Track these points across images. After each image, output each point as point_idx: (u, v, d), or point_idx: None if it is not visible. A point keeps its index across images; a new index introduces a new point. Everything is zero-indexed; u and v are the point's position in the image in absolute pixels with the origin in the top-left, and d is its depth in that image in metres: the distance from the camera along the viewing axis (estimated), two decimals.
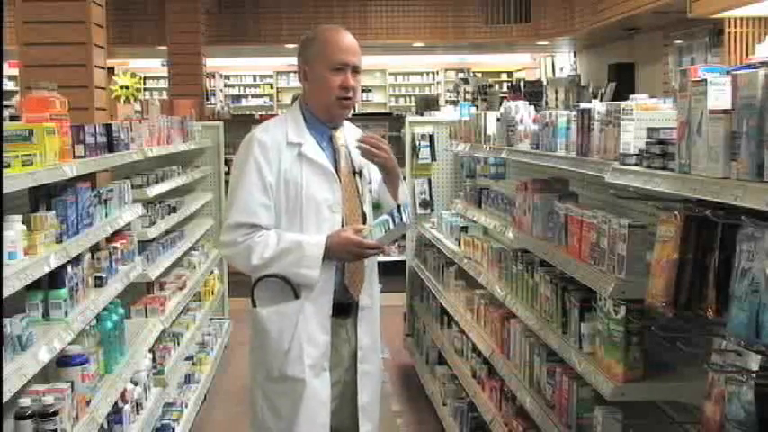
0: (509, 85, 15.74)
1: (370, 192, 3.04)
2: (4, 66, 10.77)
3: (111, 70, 11.87)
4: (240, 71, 18.17)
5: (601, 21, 9.57)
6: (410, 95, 17.95)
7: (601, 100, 7.86)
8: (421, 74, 18.50)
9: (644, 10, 8.15)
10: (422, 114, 7.62)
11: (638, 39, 10.45)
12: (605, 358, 2.59)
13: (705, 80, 1.91)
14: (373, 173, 3.02)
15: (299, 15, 11.99)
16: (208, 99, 13.36)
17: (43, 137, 2.78)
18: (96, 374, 3.14)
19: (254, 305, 2.85)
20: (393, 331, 6.25)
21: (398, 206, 2.83)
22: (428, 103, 10.31)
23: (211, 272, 6.52)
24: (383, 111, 16.05)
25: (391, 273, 5.54)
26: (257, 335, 2.86)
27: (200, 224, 6.36)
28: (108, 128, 3.79)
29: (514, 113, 3.79)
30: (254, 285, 2.84)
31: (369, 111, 15.57)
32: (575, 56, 13.69)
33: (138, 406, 3.77)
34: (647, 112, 2.53)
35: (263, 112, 14.09)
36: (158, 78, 16.99)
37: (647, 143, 2.32)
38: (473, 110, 5.46)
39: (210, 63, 12.47)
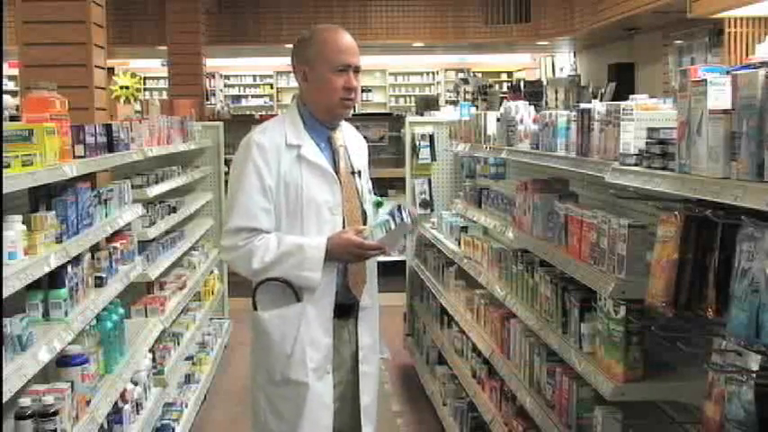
0: (509, 85, 15.73)
1: (370, 191, 3.04)
2: (4, 66, 10.76)
3: (111, 70, 11.89)
4: (240, 71, 18.17)
5: (601, 21, 9.57)
6: (410, 95, 17.95)
7: (601, 100, 7.86)
8: (421, 74, 18.50)
9: (644, 10, 8.15)
10: (422, 114, 7.63)
11: (638, 39, 10.45)
12: (605, 358, 2.59)
13: (705, 80, 1.91)
14: (364, 174, 3.02)
15: (299, 15, 11.99)
16: (208, 99, 13.35)
17: (43, 137, 2.78)
18: (96, 374, 3.14)
19: (255, 308, 2.83)
20: (393, 331, 6.25)
21: (399, 206, 2.82)
22: (428, 103, 10.31)
23: (211, 272, 6.52)
24: (383, 111, 16.05)
25: (391, 273, 5.54)
26: (259, 338, 2.85)
27: (200, 224, 6.36)
28: (108, 128, 3.79)
29: (514, 113, 3.79)
30: (256, 289, 2.82)
31: (369, 111, 15.56)
32: (575, 56, 13.69)
33: (138, 406, 3.77)
34: (647, 112, 2.53)
35: (263, 112, 14.10)
36: (158, 78, 17.00)
37: (647, 143, 2.32)
38: (473, 110, 5.46)
39: (210, 63, 12.46)
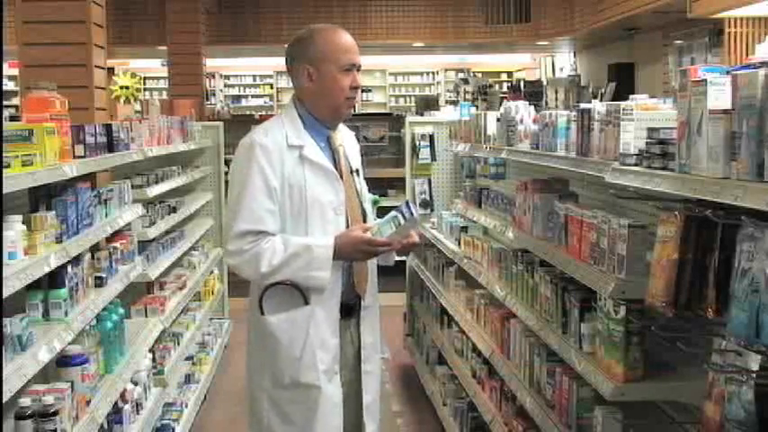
0: (509, 85, 15.73)
1: (368, 190, 3.05)
2: (4, 66, 10.76)
3: (111, 70, 11.87)
4: (240, 71, 18.17)
5: (601, 21, 9.56)
6: (410, 95, 17.94)
7: (601, 100, 7.86)
8: (421, 74, 18.49)
9: (644, 10, 8.15)
10: (422, 114, 7.62)
11: (638, 39, 10.45)
12: (605, 358, 2.59)
13: (705, 80, 1.91)
14: (361, 173, 3.02)
15: (299, 15, 11.98)
16: (208, 99, 13.35)
17: (43, 137, 2.78)
18: (96, 374, 3.14)
19: (262, 313, 2.78)
20: (393, 331, 6.25)
21: (406, 202, 2.82)
22: (428, 103, 10.31)
23: (211, 272, 6.52)
24: (383, 111, 16.04)
25: (391, 273, 5.52)
26: (265, 342, 2.80)
27: (200, 224, 6.36)
28: (108, 128, 3.79)
29: (514, 113, 3.79)
30: (263, 293, 2.77)
31: (369, 111, 15.55)
32: (575, 56, 13.68)
33: (138, 406, 3.77)
34: (647, 112, 2.53)
35: (263, 112, 14.09)
36: (158, 78, 16.99)
37: (647, 143, 2.32)
38: (473, 110, 5.46)
39: (210, 63, 12.46)
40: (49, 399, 2.61)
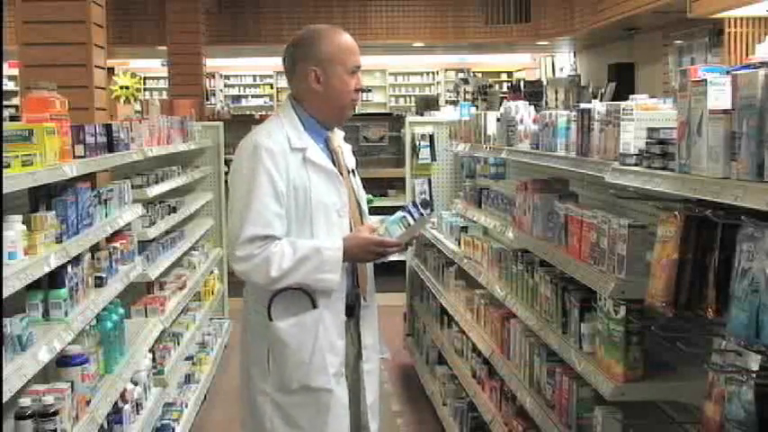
0: (509, 85, 15.74)
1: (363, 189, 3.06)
2: (4, 66, 10.77)
3: (111, 70, 11.88)
4: (240, 71, 18.18)
5: (601, 21, 9.57)
6: (410, 95, 17.95)
7: (601, 100, 7.86)
8: (421, 74, 18.50)
9: (644, 10, 8.15)
10: (422, 114, 7.63)
11: (638, 39, 10.45)
12: (605, 358, 2.59)
13: (705, 80, 1.91)
14: (357, 173, 3.03)
15: (299, 15, 11.99)
16: (208, 99, 13.35)
17: (43, 137, 2.78)
18: (96, 374, 3.14)
19: (270, 319, 2.74)
20: (393, 331, 6.25)
21: (413, 202, 2.83)
22: (428, 103, 10.32)
23: (211, 272, 6.52)
24: (383, 111, 16.06)
25: (391, 273, 5.54)
26: (271, 348, 2.75)
27: (200, 224, 6.37)
28: (108, 128, 3.79)
29: (514, 113, 3.79)
30: (272, 299, 2.73)
31: (369, 111, 15.56)
32: (575, 56, 13.69)
33: (138, 406, 3.77)
34: (647, 112, 2.53)
35: (263, 112, 14.09)
36: (158, 78, 17.00)
37: (647, 143, 2.32)
38: (473, 110, 5.46)
39: (210, 63, 12.47)
40: (49, 399, 2.61)
